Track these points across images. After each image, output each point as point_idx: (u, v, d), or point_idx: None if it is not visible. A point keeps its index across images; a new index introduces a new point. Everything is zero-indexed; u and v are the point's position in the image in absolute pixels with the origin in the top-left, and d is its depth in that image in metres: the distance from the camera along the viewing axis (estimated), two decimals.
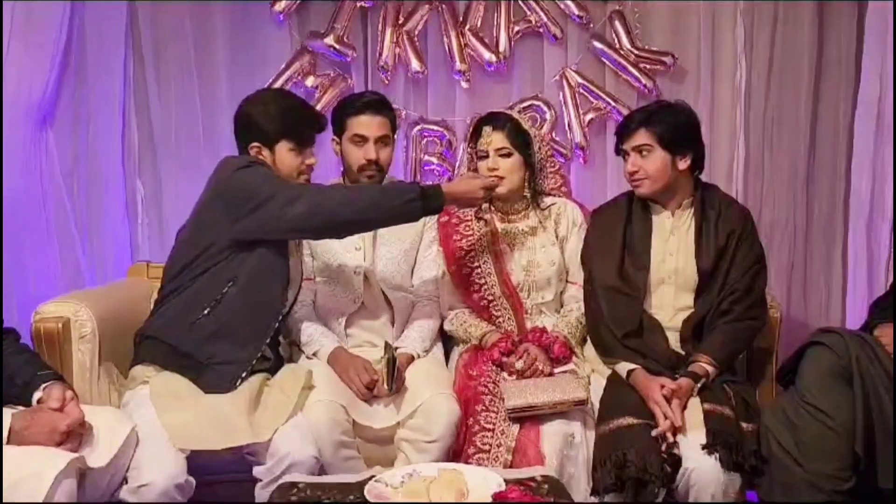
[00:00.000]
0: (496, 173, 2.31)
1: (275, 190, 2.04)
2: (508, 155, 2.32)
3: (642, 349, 2.11)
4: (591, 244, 2.31)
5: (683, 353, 2.14)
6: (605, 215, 2.34)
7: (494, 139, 2.32)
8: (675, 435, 1.93)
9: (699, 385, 2.03)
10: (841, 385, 1.81)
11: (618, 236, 2.23)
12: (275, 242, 2.13)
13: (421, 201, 2.06)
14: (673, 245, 2.21)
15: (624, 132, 2.24)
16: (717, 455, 1.85)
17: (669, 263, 2.20)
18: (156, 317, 2.14)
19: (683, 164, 2.19)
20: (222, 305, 2.07)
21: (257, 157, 2.15)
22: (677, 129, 2.18)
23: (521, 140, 2.33)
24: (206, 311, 2.06)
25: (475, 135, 2.38)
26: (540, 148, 2.39)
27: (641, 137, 2.18)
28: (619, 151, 2.27)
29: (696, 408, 1.98)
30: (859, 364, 1.80)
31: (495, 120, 2.35)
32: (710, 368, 2.06)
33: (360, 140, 2.32)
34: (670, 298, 2.20)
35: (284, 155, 2.15)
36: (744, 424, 1.94)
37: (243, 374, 2.08)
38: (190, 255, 2.11)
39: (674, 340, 2.17)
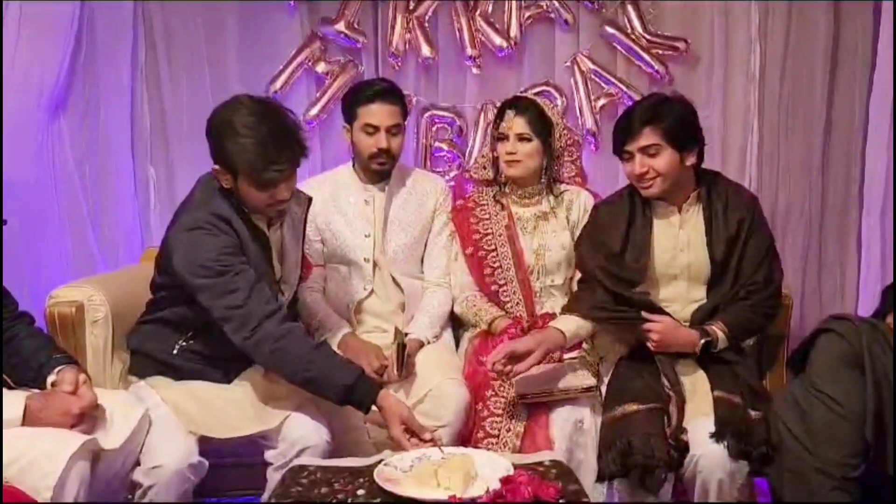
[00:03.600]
0: (513, 157, 2.33)
1: (215, 288, 1.85)
2: (528, 140, 2.33)
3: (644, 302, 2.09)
4: (589, 241, 2.22)
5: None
6: (605, 213, 2.23)
7: (516, 123, 2.33)
8: (682, 419, 1.93)
9: (703, 342, 2.02)
10: (852, 372, 1.80)
11: (618, 237, 2.14)
12: (254, 265, 1.95)
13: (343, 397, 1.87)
14: (683, 240, 2.15)
15: (627, 133, 2.09)
16: (725, 443, 1.85)
17: (681, 259, 2.14)
18: (142, 330, 2.10)
19: (691, 160, 2.10)
20: (201, 335, 1.99)
21: (214, 218, 1.90)
22: (683, 124, 2.08)
23: (542, 127, 2.34)
24: (183, 342, 2.02)
25: (498, 116, 2.39)
26: (560, 136, 2.39)
27: (648, 137, 2.06)
28: (621, 153, 2.12)
29: (706, 395, 1.97)
30: (870, 351, 1.78)
31: (519, 104, 2.36)
32: (720, 334, 2.04)
33: (372, 129, 2.31)
34: (683, 291, 2.16)
35: (247, 190, 1.92)
36: (752, 412, 1.92)
37: (233, 376, 2.06)
38: (161, 280, 2.03)
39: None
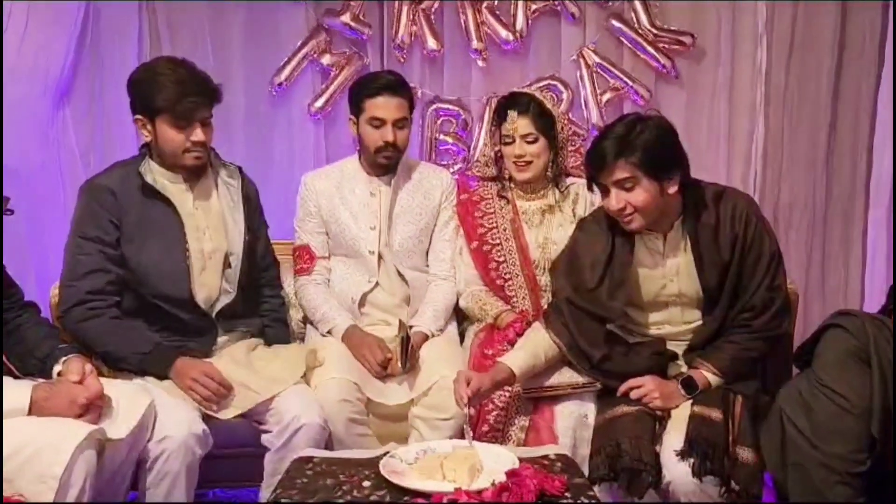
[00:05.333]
0: (522, 159, 2.31)
1: (65, 259, 2.09)
2: (534, 140, 2.31)
3: (620, 369, 2.02)
4: (564, 268, 2.11)
5: (685, 362, 2.04)
6: (584, 242, 2.09)
7: (520, 125, 2.30)
8: (664, 428, 1.91)
9: (693, 394, 1.96)
10: (858, 367, 1.79)
11: (594, 272, 2.02)
12: (158, 235, 2.08)
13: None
14: (671, 269, 2.02)
15: (599, 167, 1.92)
16: (690, 461, 1.79)
17: (670, 288, 2.03)
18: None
19: (672, 188, 1.92)
20: (162, 318, 2.09)
21: (100, 189, 2.07)
22: (659, 150, 1.89)
23: (545, 123, 2.31)
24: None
25: (499, 117, 2.35)
26: (563, 128, 2.37)
27: (622, 170, 1.88)
28: (596, 186, 1.97)
29: (684, 409, 1.93)
30: (877, 346, 1.77)
31: (520, 103, 2.32)
32: (712, 378, 1.98)
33: (378, 123, 2.31)
34: (676, 315, 2.08)
35: (166, 131, 2.06)
36: (741, 451, 1.83)
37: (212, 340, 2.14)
38: None
39: (682, 351, 2.08)
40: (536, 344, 2.05)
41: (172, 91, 2.02)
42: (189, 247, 2.11)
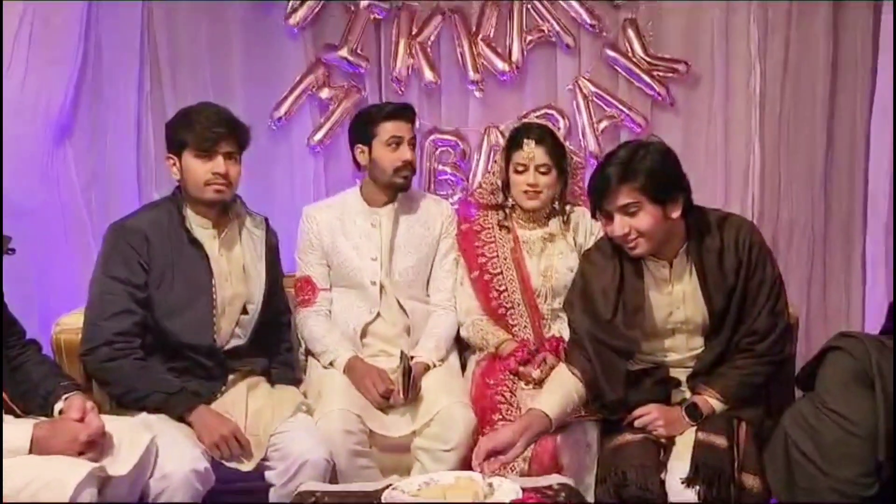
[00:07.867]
0: (535, 188, 2.32)
1: (90, 298, 2.09)
2: (548, 171, 2.32)
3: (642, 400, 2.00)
4: (578, 304, 2.07)
5: (689, 388, 2.04)
6: (593, 273, 2.06)
7: (537, 154, 2.30)
8: (668, 455, 1.90)
9: (698, 421, 1.94)
10: (862, 390, 1.78)
11: (608, 303, 2.00)
12: (185, 276, 2.11)
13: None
14: (678, 296, 2.02)
15: (602, 193, 1.92)
16: (697, 490, 1.79)
17: (677, 315, 2.03)
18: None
19: (675, 212, 1.93)
20: (175, 356, 2.10)
21: (128, 232, 2.10)
22: (661, 175, 1.90)
23: (559, 154, 2.33)
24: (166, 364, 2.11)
25: (513, 145, 2.35)
26: (571, 159, 2.39)
27: (625, 196, 1.89)
28: (599, 213, 1.96)
29: (688, 436, 1.92)
30: (879, 369, 1.77)
31: (536, 132, 2.32)
32: (716, 403, 1.97)
33: (397, 140, 2.33)
34: (682, 342, 2.07)
35: (190, 163, 2.10)
36: (746, 478, 1.83)
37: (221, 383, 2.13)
38: None
39: (685, 377, 2.07)
40: (565, 385, 1.99)
41: (198, 124, 2.09)
42: (216, 293, 2.14)
